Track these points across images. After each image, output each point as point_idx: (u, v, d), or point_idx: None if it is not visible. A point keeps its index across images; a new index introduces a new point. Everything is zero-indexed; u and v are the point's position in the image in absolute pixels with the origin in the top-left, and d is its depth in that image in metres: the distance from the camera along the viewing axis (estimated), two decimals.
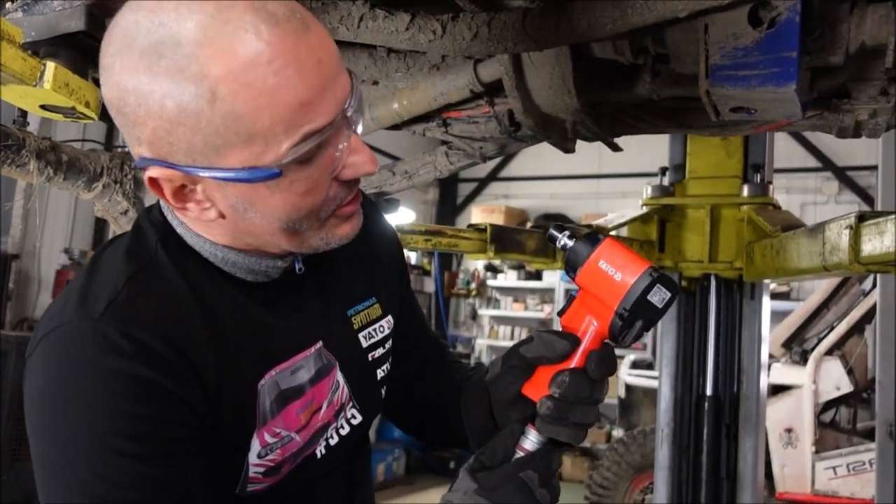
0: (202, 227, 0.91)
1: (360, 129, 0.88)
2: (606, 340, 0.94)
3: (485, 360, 10.17)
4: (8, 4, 1.22)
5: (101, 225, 6.26)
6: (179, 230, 0.93)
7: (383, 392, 1.15)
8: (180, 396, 0.83)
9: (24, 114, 1.67)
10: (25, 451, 4.51)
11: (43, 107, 1.23)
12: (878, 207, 3.94)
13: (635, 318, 0.91)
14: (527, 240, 2.53)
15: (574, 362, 0.93)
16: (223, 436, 0.89)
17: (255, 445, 0.92)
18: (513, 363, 1.00)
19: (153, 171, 0.82)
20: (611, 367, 0.93)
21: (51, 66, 1.15)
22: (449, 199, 11.30)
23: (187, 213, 0.87)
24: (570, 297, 0.98)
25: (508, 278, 10.27)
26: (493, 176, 11.13)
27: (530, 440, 0.93)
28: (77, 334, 0.82)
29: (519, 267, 10.06)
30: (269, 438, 0.93)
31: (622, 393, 6.92)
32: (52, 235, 5.93)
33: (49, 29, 1.17)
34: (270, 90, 0.76)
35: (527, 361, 0.98)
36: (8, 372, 4.44)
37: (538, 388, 0.95)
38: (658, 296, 0.90)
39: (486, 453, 0.92)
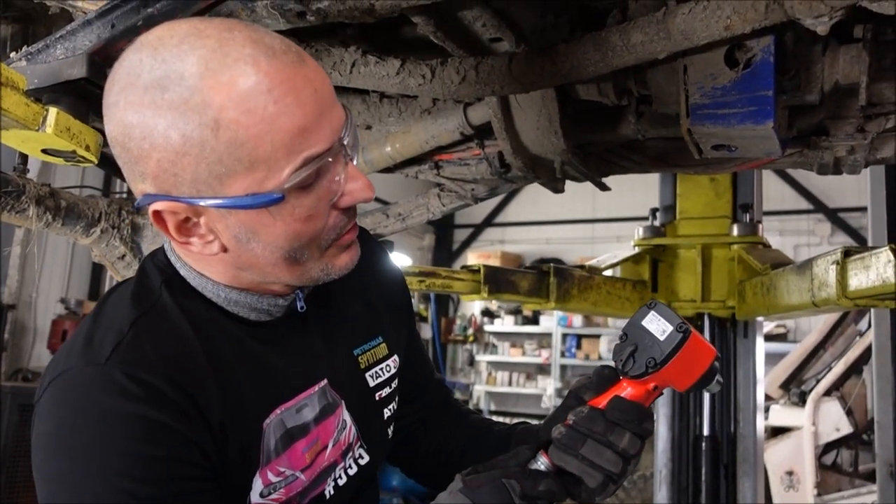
0: (204, 264, 0.93)
1: (356, 160, 0.91)
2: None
3: (483, 406, 10.08)
4: (12, 54, 1.27)
5: (97, 275, 6.28)
6: (182, 272, 0.95)
7: (390, 432, 1.15)
8: (188, 436, 0.84)
9: (24, 160, 1.71)
10: (22, 501, 4.44)
11: (45, 151, 1.26)
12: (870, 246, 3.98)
13: (629, 342, 0.95)
14: (520, 280, 2.56)
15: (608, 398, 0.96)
16: (227, 474, 0.89)
17: (258, 484, 0.93)
18: (567, 403, 1.01)
19: (157, 205, 0.84)
20: (628, 414, 0.93)
21: (53, 111, 1.19)
22: (444, 245, 11.35)
23: (190, 247, 0.89)
24: None
25: (505, 323, 10.26)
26: (488, 221, 11.20)
27: (536, 463, 0.94)
28: (84, 378, 0.83)
29: (516, 312, 10.05)
30: (272, 477, 0.94)
31: None
32: (49, 285, 5.94)
33: (52, 76, 1.21)
34: (271, 117, 0.79)
35: (575, 395, 1.00)
36: (3, 422, 4.39)
37: None
38: (655, 324, 0.93)
39: (486, 464, 0.93)
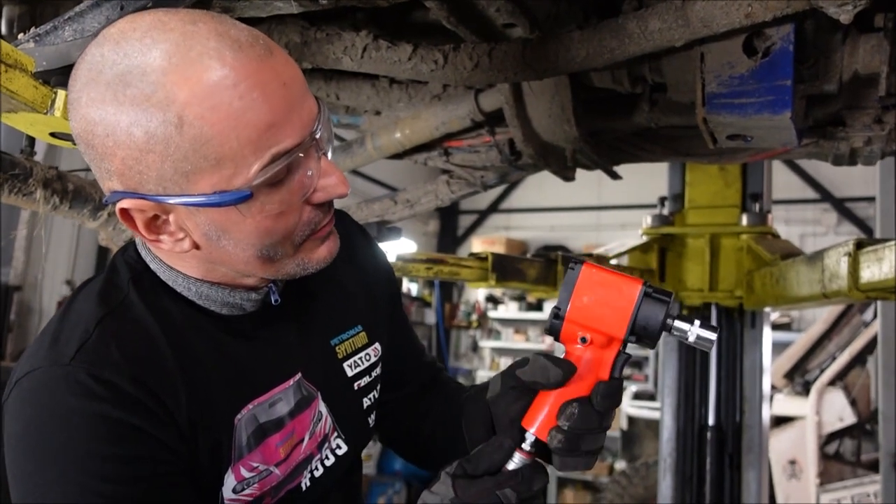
0: (176, 259, 0.92)
1: (329, 154, 0.88)
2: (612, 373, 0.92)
3: None
4: (20, 35, 1.25)
5: (103, 257, 6.27)
6: (153, 266, 0.93)
7: (371, 420, 1.14)
8: (154, 435, 0.83)
9: (31, 143, 1.69)
10: None
11: (53, 134, 1.24)
12: (878, 237, 3.96)
13: (641, 335, 0.90)
14: (528, 268, 2.54)
15: (578, 390, 0.91)
16: (199, 471, 0.89)
17: (230, 480, 0.92)
18: (511, 384, 0.97)
19: (124, 203, 0.82)
20: (616, 400, 0.91)
21: (62, 94, 1.17)
22: (449, 231, 11.32)
23: (161, 245, 0.87)
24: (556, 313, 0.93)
25: (509, 310, 10.25)
26: (493, 207, 11.17)
27: (514, 462, 0.91)
28: (48, 379, 0.82)
29: (520, 298, 10.04)
30: (245, 473, 0.93)
31: (624, 425, 6.88)
32: (55, 267, 5.93)
33: (60, 58, 1.19)
34: (237, 113, 0.77)
35: (524, 384, 0.95)
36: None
37: (535, 418, 0.92)
38: (653, 308, 0.89)
39: (471, 461, 0.89)
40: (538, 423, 0.92)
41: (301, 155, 0.82)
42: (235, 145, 0.78)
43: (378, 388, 1.15)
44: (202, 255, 0.89)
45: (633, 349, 0.94)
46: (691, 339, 0.88)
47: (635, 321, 0.88)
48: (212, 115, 0.76)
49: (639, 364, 8.52)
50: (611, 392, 0.90)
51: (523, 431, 0.92)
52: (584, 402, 0.89)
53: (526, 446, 0.91)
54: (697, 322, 0.88)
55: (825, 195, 9.15)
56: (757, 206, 2.83)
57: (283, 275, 0.92)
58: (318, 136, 0.84)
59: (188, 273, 0.92)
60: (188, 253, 0.88)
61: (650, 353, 8.00)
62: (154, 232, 0.86)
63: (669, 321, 0.88)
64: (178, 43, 0.76)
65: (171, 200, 0.81)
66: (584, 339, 0.90)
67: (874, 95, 1.48)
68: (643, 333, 0.89)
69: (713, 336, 0.88)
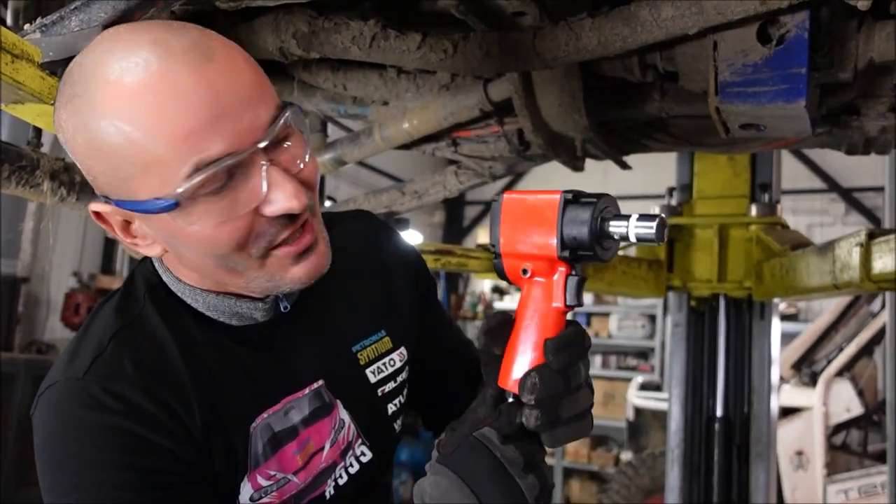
0: (178, 267, 0.92)
1: (299, 164, 0.85)
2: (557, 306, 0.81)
3: None
4: (26, 26, 1.24)
5: (110, 249, 6.29)
6: (165, 277, 0.94)
7: (397, 426, 1.12)
8: (167, 447, 0.84)
9: (38, 135, 1.69)
10: (32, 474, 4.51)
11: None
12: (886, 227, 3.93)
13: (576, 247, 0.79)
14: None
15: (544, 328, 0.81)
16: (214, 480, 0.90)
17: (247, 489, 0.92)
18: (484, 360, 0.88)
19: (94, 206, 0.85)
20: (575, 350, 0.80)
21: None
22: (456, 222, 11.32)
23: (138, 248, 0.89)
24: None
25: (515, 300, 10.24)
26: None
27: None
28: (64, 393, 0.85)
29: None
30: (262, 481, 0.93)
31: (631, 415, 6.87)
32: (62, 259, 5.95)
33: (66, 49, 1.18)
34: (155, 120, 0.76)
35: (485, 351, 0.87)
36: (16, 395, 4.43)
37: (507, 374, 0.83)
38: (579, 213, 0.78)
39: (457, 421, 0.83)
40: (510, 377, 0.82)
41: (264, 164, 0.80)
42: (157, 153, 0.77)
43: (404, 393, 1.13)
44: (174, 259, 0.90)
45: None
46: (632, 236, 0.76)
47: (562, 232, 0.78)
48: (133, 123, 0.77)
49: (645, 355, 8.51)
50: (561, 344, 0.79)
51: (503, 392, 0.83)
52: (543, 368, 0.78)
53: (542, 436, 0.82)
54: (635, 216, 0.76)
55: (833, 185, 9.11)
56: (766, 197, 2.81)
57: (256, 289, 0.90)
58: (263, 146, 0.80)
59: (192, 283, 0.92)
60: (181, 260, 0.89)
61: (657, 343, 7.98)
62: (129, 235, 0.88)
63: (602, 224, 0.77)
64: (114, 52, 0.79)
65: (123, 206, 0.82)
66: (525, 272, 0.82)
67: (889, 84, 1.46)
68: (576, 245, 0.78)
69: (652, 226, 0.75)
